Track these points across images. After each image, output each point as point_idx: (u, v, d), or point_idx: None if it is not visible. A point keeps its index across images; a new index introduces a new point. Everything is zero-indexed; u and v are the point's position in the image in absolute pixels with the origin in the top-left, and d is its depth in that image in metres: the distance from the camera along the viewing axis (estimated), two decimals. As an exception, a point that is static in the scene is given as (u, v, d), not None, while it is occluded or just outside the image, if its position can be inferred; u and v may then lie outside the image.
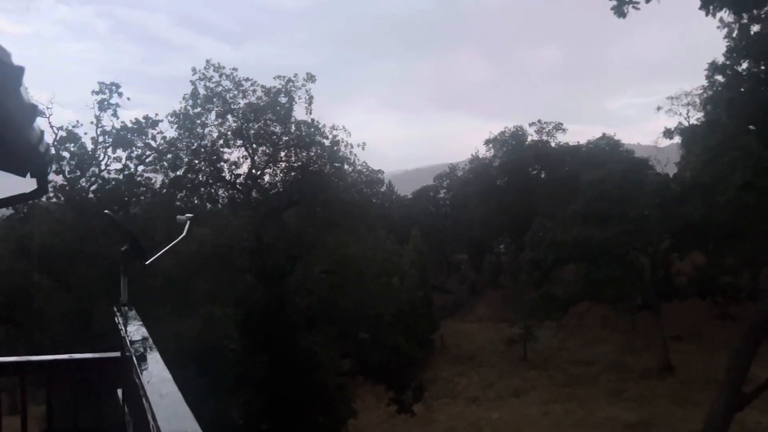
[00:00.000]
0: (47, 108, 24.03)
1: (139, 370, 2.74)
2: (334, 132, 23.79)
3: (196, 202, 24.75)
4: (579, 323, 42.70)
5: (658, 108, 50.59)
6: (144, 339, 3.42)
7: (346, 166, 24.45)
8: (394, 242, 29.91)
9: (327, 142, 23.68)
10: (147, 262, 5.14)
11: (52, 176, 24.86)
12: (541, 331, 43.64)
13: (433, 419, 38.22)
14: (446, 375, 45.96)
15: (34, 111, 3.08)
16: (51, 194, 24.58)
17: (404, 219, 59.80)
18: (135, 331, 3.75)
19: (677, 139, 46.74)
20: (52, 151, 23.68)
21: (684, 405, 31.36)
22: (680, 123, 47.85)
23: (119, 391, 4.69)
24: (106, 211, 5.36)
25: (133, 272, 5.15)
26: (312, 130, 23.69)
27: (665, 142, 49.56)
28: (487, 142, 61.00)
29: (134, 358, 2.96)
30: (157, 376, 2.55)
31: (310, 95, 23.81)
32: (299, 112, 24.15)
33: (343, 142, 23.93)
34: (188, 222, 5.68)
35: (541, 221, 42.23)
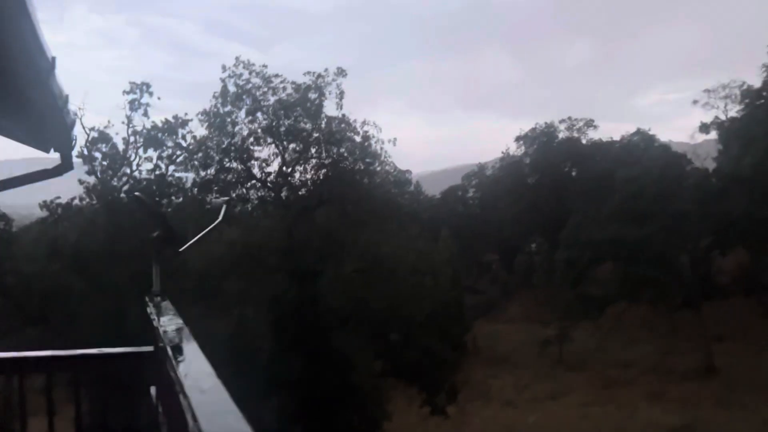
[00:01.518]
0: (79, 109, 24.12)
1: (174, 363, 2.44)
2: (365, 128, 23.45)
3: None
4: (616, 324, 41.53)
5: (695, 102, 48.96)
6: (179, 329, 3.12)
7: (377, 163, 24.00)
8: (427, 240, 29.37)
9: (358, 138, 23.32)
10: (180, 249, 4.72)
11: (84, 177, 25.11)
12: (577, 333, 42.54)
13: (467, 422, 37.41)
14: (479, 377, 45.05)
15: (61, 93, 2.76)
16: (83, 195, 24.74)
17: (432, 219, 59.07)
18: (169, 321, 3.41)
19: (713, 135, 45.32)
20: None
21: (730, 408, 30.18)
22: (717, 117, 46.28)
23: (153, 389, 4.32)
24: (136, 193, 5.00)
25: (165, 260, 4.73)
26: (343, 126, 23.34)
27: (700, 138, 48.11)
28: (518, 139, 60.06)
29: (169, 350, 2.65)
30: (196, 370, 2.23)
31: (341, 90, 23.48)
32: (329, 108, 23.85)
33: (373, 138, 23.59)
34: (224, 206, 5.25)
35: (576, 219, 41.17)
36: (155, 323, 3.48)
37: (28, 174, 3.69)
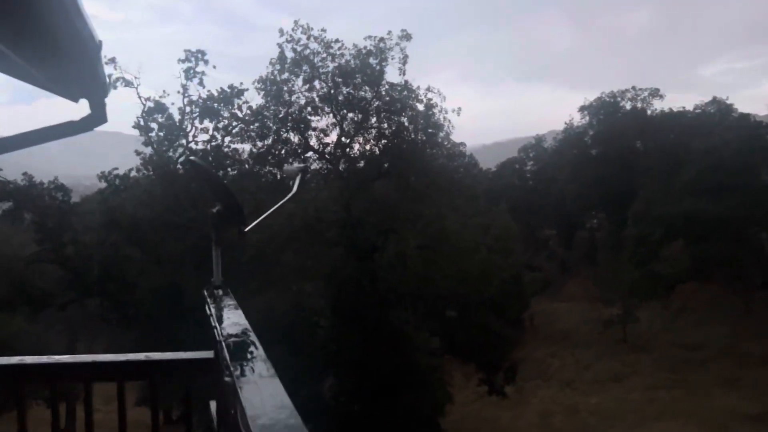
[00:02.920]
0: (135, 78, 23.82)
1: (237, 381, 1.95)
2: (429, 95, 22.14)
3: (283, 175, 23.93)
4: (685, 304, 39.41)
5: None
6: (244, 334, 2.53)
7: (441, 134, 22.69)
8: (494, 215, 28.05)
9: (420, 107, 22.05)
10: (246, 229, 3.71)
11: (141, 148, 24.93)
12: (642, 312, 40.56)
13: (525, 401, 36.33)
14: (538, 356, 43.84)
15: (92, 36, 2.10)
16: (140, 166, 24.54)
17: (487, 193, 57.49)
18: (232, 323, 2.76)
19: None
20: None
21: (816, 397, 28.02)
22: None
23: (212, 405, 3.42)
24: (191, 157, 4.05)
25: (227, 242, 3.74)
26: (405, 93, 22.08)
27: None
28: (582, 109, 57.41)
29: (230, 365, 2.14)
30: (265, 394, 1.78)
31: (405, 54, 22.10)
32: (391, 75, 22.58)
33: (437, 106, 22.28)
34: (299, 174, 4.20)
35: (647, 194, 38.89)
36: (215, 326, 2.79)
37: (53, 126, 2.71)
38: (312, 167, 24.27)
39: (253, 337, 2.50)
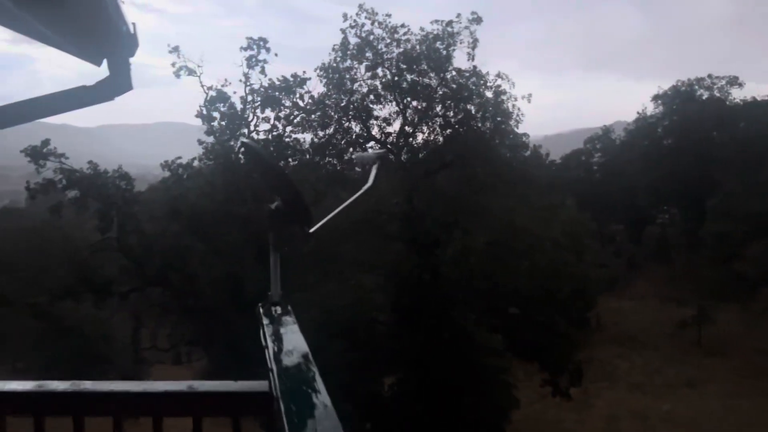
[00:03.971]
0: (198, 67, 23.72)
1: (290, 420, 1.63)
2: (498, 81, 20.96)
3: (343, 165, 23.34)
4: (768, 307, 36.73)
5: None
6: (305, 364, 2.11)
7: (511, 123, 21.49)
8: (572, 209, 26.66)
9: (489, 94, 20.91)
10: (312, 230, 2.91)
11: (203, 137, 24.89)
12: (719, 315, 38.12)
13: (591, 404, 34.74)
14: (604, 357, 41.91)
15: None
16: (202, 155, 24.51)
17: (550, 186, 55.47)
18: (291, 349, 2.29)
19: None
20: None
21: None
22: None
23: None
24: (243, 139, 3.26)
25: (288, 246, 2.98)
26: (473, 79, 20.99)
27: None
28: (656, 98, 54.52)
29: (287, 405, 1.74)
30: None
31: (475, 38, 20.95)
32: (458, 61, 21.50)
33: (506, 93, 21.08)
34: (377, 163, 3.35)
35: (729, 188, 36.37)
36: (269, 353, 2.32)
37: (57, 94, 1.69)
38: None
39: (314, 367, 2.15)
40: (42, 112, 2.22)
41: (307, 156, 23.72)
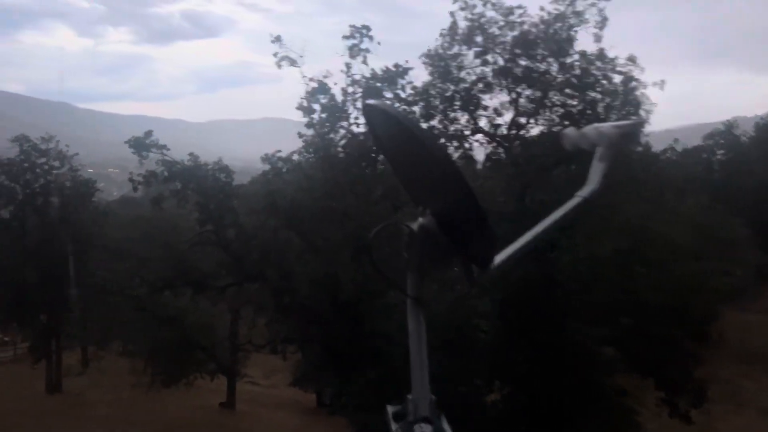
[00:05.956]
0: (300, 56, 23.07)
1: None
2: (628, 66, 18.55)
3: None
4: None
5: None
6: None
7: (641, 114, 19.05)
8: (719, 213, 23.74)
9: (616, 80, 18.56)
10: (492, 266, 1.38)
11: (303, 130, 24.29)
12: None
13: (713, 429, 31.44)
14: (726, 375, 38.02)
15: None
16: (302, 149, 23.91)
17: (665, 185, 51.26)
18: None
19: None
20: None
21: None
22: None
23: None
24: (370, 101, 1.83)
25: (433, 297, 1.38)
26: (599, 64, 18.72)
27: None
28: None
29: None
30: None
31: (603, 17, 18.65)
32: (581, 43, 19.30)
33: (636, 80, 18.66)
34: (612, 147, 1.77)
35: None
36: None
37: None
38: (478, 154, 21.78)
39: None
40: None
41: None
